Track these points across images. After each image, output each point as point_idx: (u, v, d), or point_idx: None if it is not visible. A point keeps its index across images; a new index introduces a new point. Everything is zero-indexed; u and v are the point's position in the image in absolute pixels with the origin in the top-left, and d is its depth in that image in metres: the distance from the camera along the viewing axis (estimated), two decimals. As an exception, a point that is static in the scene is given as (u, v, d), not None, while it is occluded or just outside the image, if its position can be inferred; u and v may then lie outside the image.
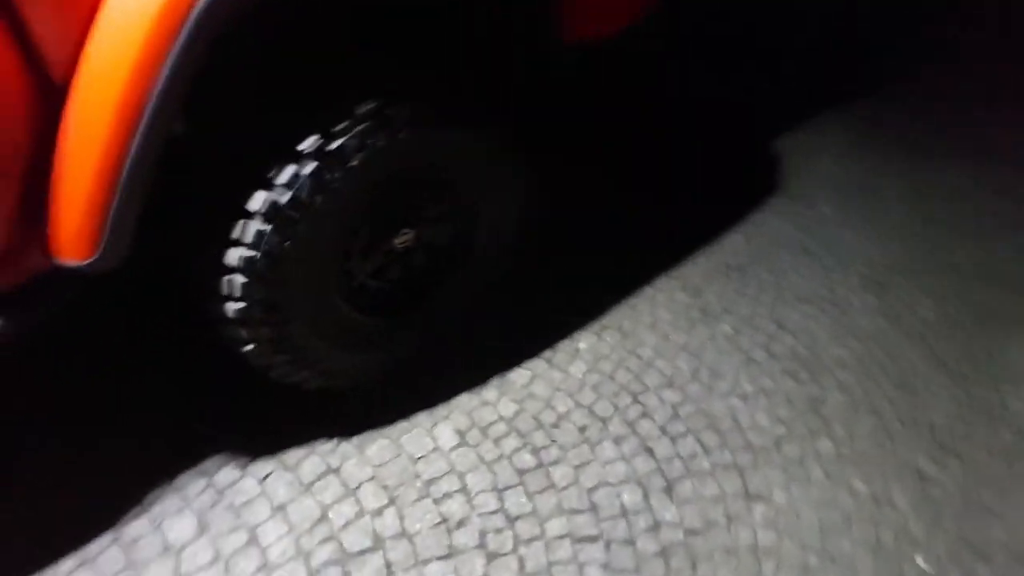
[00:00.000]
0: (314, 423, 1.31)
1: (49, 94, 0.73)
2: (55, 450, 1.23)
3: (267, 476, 1.23)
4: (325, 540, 1.14)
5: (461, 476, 1.26)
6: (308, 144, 0.89)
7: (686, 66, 2.65)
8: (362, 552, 1.13)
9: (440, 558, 1.13)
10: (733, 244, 1.87)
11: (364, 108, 0.93)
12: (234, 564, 1.10)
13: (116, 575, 1.07)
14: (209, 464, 1.24)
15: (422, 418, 1.36)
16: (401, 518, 1.18)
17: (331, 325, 1.14)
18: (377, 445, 1.30)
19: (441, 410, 1.38)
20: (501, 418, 1.37)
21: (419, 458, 1.28)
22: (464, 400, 1.40)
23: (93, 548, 1.10)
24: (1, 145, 0.73)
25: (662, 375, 1.49)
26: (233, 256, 0.91)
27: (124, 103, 0.71)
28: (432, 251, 1.33)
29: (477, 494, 1.23)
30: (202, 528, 1.14)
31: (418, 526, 1.17)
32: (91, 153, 0.73)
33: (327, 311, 1.12)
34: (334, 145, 0.90)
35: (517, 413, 1.38)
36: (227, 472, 1.23)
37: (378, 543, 1.14)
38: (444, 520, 1.18)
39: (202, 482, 1.21)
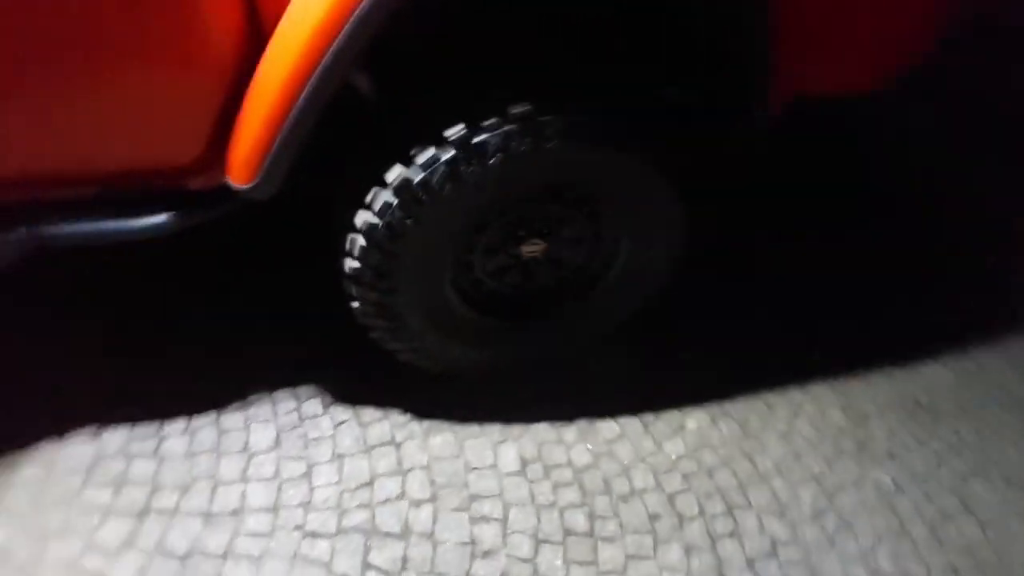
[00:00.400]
0: (400, 392, 1.34)
1: (258, 43, 0.82)
2: (200, 337, 1.44)
3: (341, 423, 1.30)
4: (362, 506, 1.16)
5: (506, 506, 1.19)
6: (453, 132, 0.88)
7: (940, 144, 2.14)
8: (388, 534, 1.13)
9: (453, 578, 1.08)
10: (934, 377, 1.46)
11: (517, 109, 0.89)
12: (286, 489, 1.18)
13: (203, 452, 1.23)
14: (304, 391, 1.35)
15: (494, 429, 1.31)
16: (434, 520, 1.15)
17: (435, 309, 1.15)
18: (442, 438, 1.29)
19: (515, 429, 1.32)
20: (570, 464, 1.26)
21: (474, 468, 1.24)
22: (541, 429, 1.32)
23: (196, 422, 1.27)
24: (222, 76, 0.84)
25: (775, 498, 1.23)
26: (361, 218, 0.96)
27: (302, 55, 0.77)
28: (559, 270, 1.26)
29: (514, 532, 1.15)
30: (276, 444, 1.25)
31: (447, 536, 1.13)
32: (268, 94, 0.82)
33: (434, 294, 1.12)
34: (477, 139, 0.88)
35: (588, 467, 1.26)
36: (313, 404, 1.33)
37: (405, 533, 1.13)
38: (472, 543, 1.13)
39: (292, 404, 1.32)
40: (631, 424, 1.34)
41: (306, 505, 1.16)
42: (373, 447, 1.26)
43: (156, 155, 0.94)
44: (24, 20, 0.71)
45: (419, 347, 1.21)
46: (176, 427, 1.27)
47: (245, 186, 0.92)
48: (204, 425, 1.27)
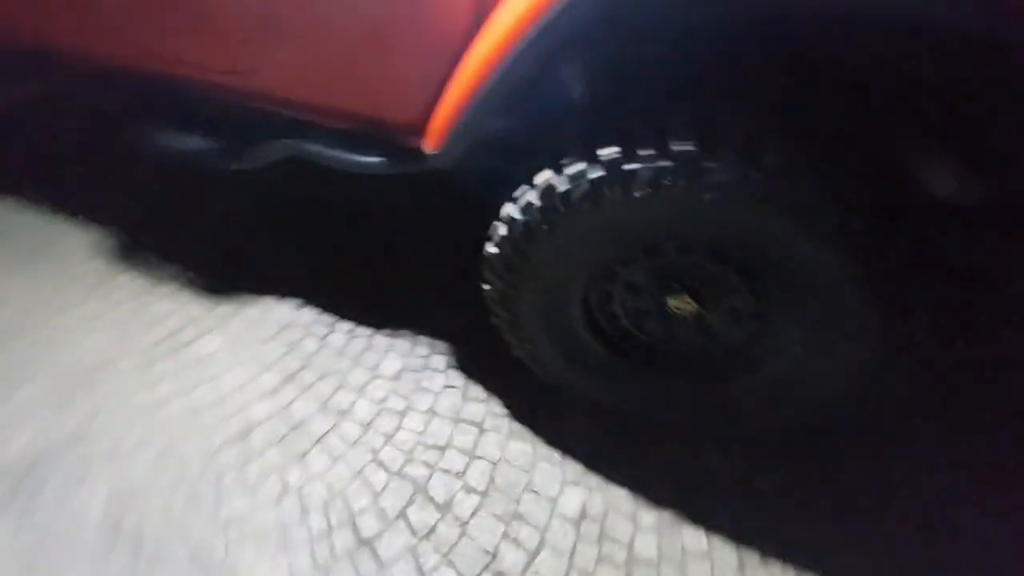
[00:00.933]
0: (516, 386, 1.36)
1: (477, 27, 0.91)
2: (399, 272, 1.70)
3: (449, 387, 1.39)
4: (426, 464, 1.24)
5: (542, 544, 1.12)
6: (607, 152, 0.83)
7: None
8: (431, 500, 1.18)
9: (462, 576, 1.08)
10: None
11: (680, 148, 0.79)
12: (383, 416, 1.33)
13: (349, 355, 1.47)
14: (442, 346, 1.49)
15: (575, 467, 1.24)
16: (473, 514, 1.16)
17: (554, 322, 1.13)
18: (522, 447, 1.27)
19: (595, 479, 1.22)
20: (630, 547, 1.11)
21: (534, 491, 1.20)
22: (621, 496, 1.19)
23: (358, 330, 1.53)
24: (443, 56, 0.97)
25: None
26: (506, 209, 0.99)
27: (494, 47, 0.83)
28: (706, 338, 1.10)
29: (535, 573, 1.08)
30: (396, 377, 1.42)
31: (476, 534, 1.13)
32: (464, 78, 0.90)
33: (556, 307, 1.10)
34: (628, 166, 0.81)
35: (647, 562, 1.09)
36: (440, 360, 1.46)
37: (445, 508, 1.17)
38: (493, 556, 1.10)
39: (425, 351, 1.48)
40: (723, 555, 1.10)
41: (388, 437, 1.29)
42: (461, 421, 1.32)
43: (386, 109, 1.13)
44: None
45: (530, 350, 1.20)
46: (345, 327, 1.54)
47: (432, 152, 1.04)
48: (361, 335, 1.52)
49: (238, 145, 1.28)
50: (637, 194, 0.83)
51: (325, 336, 1.52)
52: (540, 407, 1.33)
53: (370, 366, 1.45)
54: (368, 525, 1.14)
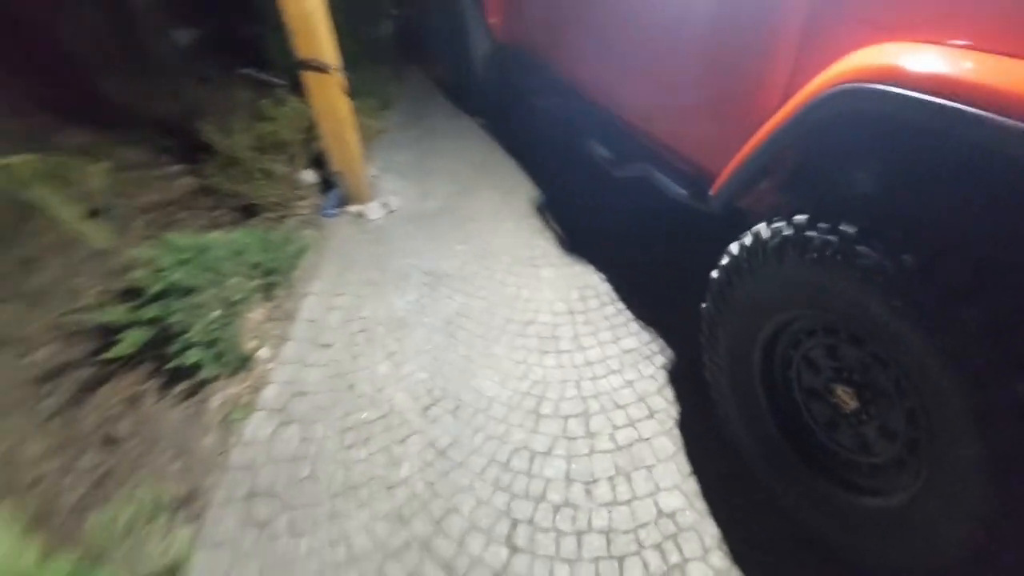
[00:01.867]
0: (692, 385, 1.60)
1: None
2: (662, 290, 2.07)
3: (647, 376, 1.72)
4: (573, 456, 1.65)
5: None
6: (800, 218, 1.03)
7: None
8: (546, 498, 1.60)
9: None
10: None
11: (847, 229, 0.92)
12: (582, 371, 1.80)
13: (612, 317, 1.97)
14: (659, 337, 1.82)
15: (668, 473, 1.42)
16: (580, 530, 1.52)
17: (739, 358, 1.32)
18: (678, 501, 1.52)
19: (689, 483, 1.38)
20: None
21: (647, 522, 1.46)
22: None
23: (608, 309, 2.01)
24: (753, 124, 1.33)
25: None
26: (731, 245, 1.27)
27: (767, 128, 1.15)
28: (858, 441, 1.11)
29: None
30: (624, 352, 1.84)
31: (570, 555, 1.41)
32: (745, 145, 1.25)
33: (744, 345, 1.29)
34: (808, 233, 1.00)
35: None
36: (646, 341, 1.80)
37: (559, 506, 1.57)
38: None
39: (652, 340, 1.84)
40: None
41: (596, 380, 1.75)
42: (642, 400, 1.66)
43: (703, 158, 1.55)
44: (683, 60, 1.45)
45: (715, 378, 1.43)
46: (619, 304, 2.05)
47: (712, 196, 1.42)
48: (624, 313, 1.99)
49: (620, 158, 1.93)
50: (808, 258, 1.01)
51: (602, 304, 2.06)
52: (705, 429, 1.52)
53: (616, 337, 1.91)
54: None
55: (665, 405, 1.66)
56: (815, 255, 1.00)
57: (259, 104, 2.68)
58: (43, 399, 1.77)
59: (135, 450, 1.60)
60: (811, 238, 1.01)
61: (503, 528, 1.37)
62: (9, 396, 1.78)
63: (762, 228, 1.15)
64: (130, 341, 1.73)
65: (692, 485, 1.44)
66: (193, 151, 2.81)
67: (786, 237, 1.07)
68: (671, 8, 1.52)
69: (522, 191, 2.83)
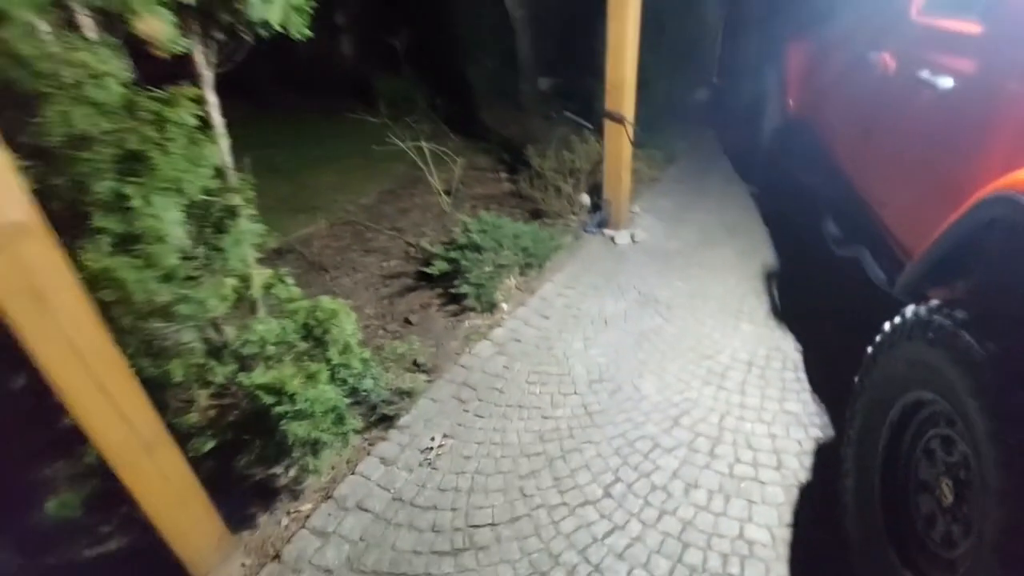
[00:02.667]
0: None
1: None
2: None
3: (784, 413, 1.81)
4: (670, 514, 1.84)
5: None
6: (932, 304, 1.13)
7: None
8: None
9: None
10: None
11: (957, 315, 1.02)
12: (720, 400, 1.96)
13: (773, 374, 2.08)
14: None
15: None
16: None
17: (869, 429, 1.40)
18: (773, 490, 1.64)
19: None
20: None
21: (725, 535, 1.62)
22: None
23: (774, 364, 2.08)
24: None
25: None
26: (884, 325, 1.37)
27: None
28: (943, 535, 1.14)
29: None
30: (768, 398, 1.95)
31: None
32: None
33: (875, 417, 1.37)
34: (930, 317, 1.11)
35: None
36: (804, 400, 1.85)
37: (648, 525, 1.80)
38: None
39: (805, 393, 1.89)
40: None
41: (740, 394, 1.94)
42: (736, 475, 1.78)
43: (907, 250, 1.62)
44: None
45: (845, 453, 1.50)
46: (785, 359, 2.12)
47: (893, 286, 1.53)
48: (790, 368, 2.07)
49: (844, 237, 2.04)
50: (927, 337, 1.13)
51: (783, 367, 2.16)
52: (821, 509, 1.58)
53: (783, 397, 2.02)
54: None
55: (796, 467, 1.74)
56: (931, 335, 1.12)
57: (569, 139, 3.53)
58: (383, 287, 2.87)
59: (416, 331, 2.51)
60: (933, 320, 1.13)
61: (607, 478, 1.74)
62: (368, 282, 2.95)
63: (908, 309, 1.27)
64: (437, 268, 2.69)
65: (783, 534, 1.54)
66: (517, 165, 3.86)
67: (919, 318, 1.19)
68: (913, 114, 1.65)
69: (756, 254, 2.99)
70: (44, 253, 0.97)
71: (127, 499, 1.40)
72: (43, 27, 1.03)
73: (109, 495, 1.52)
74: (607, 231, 3.28)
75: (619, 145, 3.02)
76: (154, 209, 1.17)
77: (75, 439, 1.40)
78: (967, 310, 1.05)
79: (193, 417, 1.47)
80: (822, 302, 2.47)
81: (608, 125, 3.00)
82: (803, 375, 2.11)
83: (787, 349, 2.26)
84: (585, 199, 3.49)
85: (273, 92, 6.15)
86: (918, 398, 1.23)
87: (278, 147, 4.65)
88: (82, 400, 1.09)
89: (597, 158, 3.34)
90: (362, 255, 3.23)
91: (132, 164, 1.14)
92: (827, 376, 2.07)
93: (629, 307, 2.61)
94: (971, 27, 1.52)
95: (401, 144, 3.45)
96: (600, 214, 3.31)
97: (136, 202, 1.13)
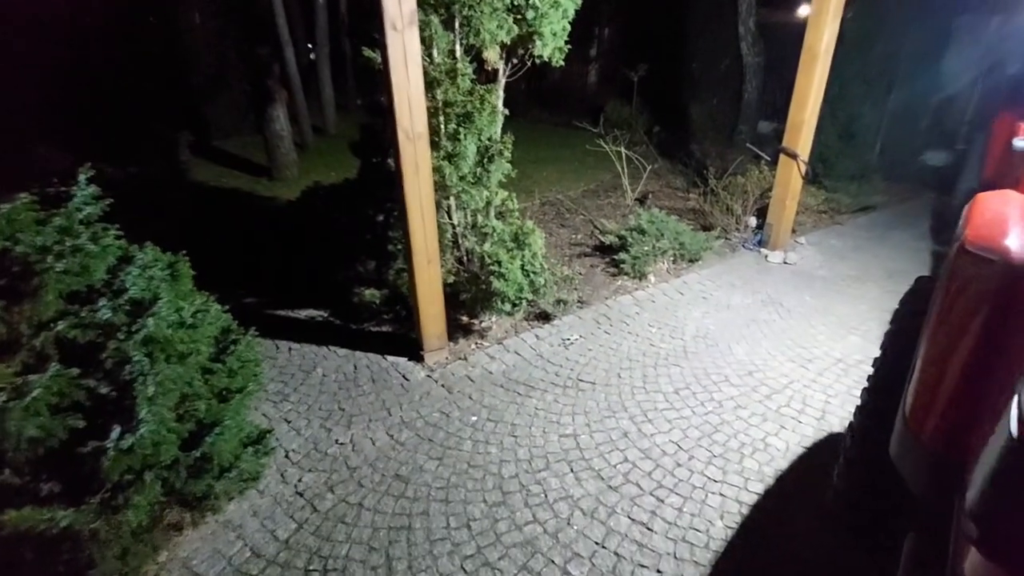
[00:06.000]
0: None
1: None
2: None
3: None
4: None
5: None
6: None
7: None
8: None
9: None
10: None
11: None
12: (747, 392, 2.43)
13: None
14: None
15: None
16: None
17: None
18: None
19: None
20: None
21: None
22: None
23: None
24: None
25: None
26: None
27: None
28: None
29: None
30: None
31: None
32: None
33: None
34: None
35: None
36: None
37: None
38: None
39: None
40: None
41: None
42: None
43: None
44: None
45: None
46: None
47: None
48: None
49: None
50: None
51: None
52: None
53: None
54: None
55: (836, 426, 2.19)
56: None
57: (748, 167, 4.10)
58: (567, 250, 3.88)
59: (582, 280, 3.44)
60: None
61: (679, 384, 2.43)
62: (557, 244, 3.99)
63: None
64: (608, 239, 3.60)
65: (796, 449, 2.06)
66: (703, 186, 4.54)
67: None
68: None
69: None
70: (424, 148, 2.17)
71: (405, 298, 2.70)
72: (437, 54, 2.28)
73: (394, 299, 2.82)
74: (763, 250, 3.77)
75: (788, 177, 3.53)
76: (466, 143, 2.34)
77: (389, 259, 2.76)
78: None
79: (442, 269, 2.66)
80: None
81: (782, 159, 3.54)
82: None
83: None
84: (751, 219, 4.01)
85: (525, 104, 7.79)
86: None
87: (515, 144, 6.12)
88: (414, 225, 2.28)
89: (768, 186, 3.86)
90: (558, 227, 4.30)
91: (464, 119, 2.32)
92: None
93: (753, 303, 3.15)
94: None
95: (607, 147, 4.46)
96: (760, 235, 3.82)
97: (461, 137, 2.31)
